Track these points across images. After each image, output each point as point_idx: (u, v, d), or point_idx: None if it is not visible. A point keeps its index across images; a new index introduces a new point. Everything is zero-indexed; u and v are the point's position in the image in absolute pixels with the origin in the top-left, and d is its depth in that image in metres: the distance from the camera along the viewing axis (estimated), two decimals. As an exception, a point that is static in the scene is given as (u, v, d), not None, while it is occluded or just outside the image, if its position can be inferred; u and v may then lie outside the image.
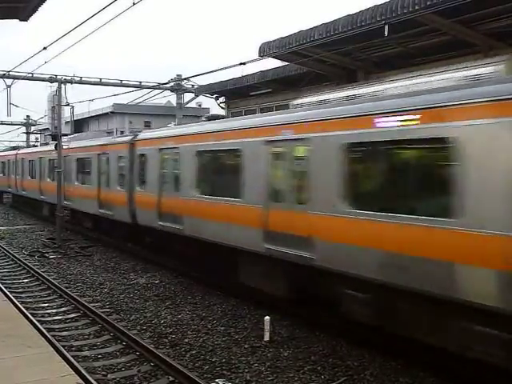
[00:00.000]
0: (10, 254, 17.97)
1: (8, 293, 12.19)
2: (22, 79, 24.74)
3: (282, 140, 10.13)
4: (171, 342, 9.45)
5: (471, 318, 6.92)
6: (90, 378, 7.35)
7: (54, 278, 14.32)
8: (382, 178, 8.60)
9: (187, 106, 31.67)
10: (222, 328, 10.17)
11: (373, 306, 8.45)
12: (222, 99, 24.82)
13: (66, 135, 21.20)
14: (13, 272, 15.60)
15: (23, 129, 46.21)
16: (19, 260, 16.81)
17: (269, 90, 20.85)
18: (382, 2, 11.69)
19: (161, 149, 14.95)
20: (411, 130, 7.58)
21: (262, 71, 19.90)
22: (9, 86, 24.78)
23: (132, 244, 18.55)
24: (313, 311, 10.20)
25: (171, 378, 7.79)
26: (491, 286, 6.52)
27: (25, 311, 10.57)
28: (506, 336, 6.55)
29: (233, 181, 11.66)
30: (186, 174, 13.55)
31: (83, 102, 24.83)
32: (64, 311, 11.53)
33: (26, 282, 14.29)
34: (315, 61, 15.40)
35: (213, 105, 28.28)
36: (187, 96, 29.64)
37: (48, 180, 26.17)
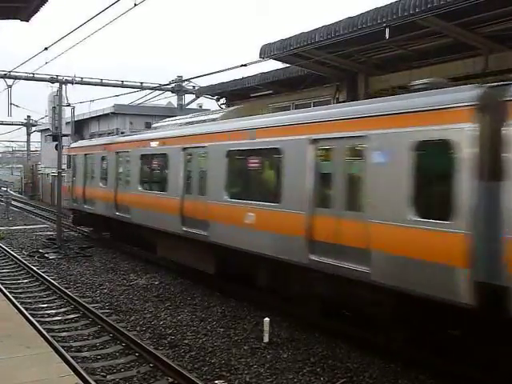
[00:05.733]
0: (10, 254, 17.95)
1: (7, 293, 12.19)
2: (23, 79, 24.78)
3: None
4: (171, 343, 9.45)
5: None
6: (89, 379, 7.35)
7: (53, 279, 14.31)
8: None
9: (188, 107, 31.71)
10: (222, 329, 10.18)
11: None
12: (222, 100, 24.85)
13: (66, 136, 21.19)
14: (12, 272, 15.59)
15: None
16: (19, 260, 16.80)
17: (269, 92, 20.86)
18: (383, 4, 11.73)
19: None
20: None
21: (262, 73, 19.90)
22: (10, 86, 24.81)
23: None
24: (312, 312, 10.20)
25: (170, 379, 7.79)
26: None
27: (24, 311, 10.56)
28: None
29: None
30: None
31: (84, 102, 24.81)
32: (63, 312, 11.52)
33: (26, 283, 14.28)
34: (316, 63, 15.41)
35: (214, 106, 28.31)
36: (188, 97, 29.70)
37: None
